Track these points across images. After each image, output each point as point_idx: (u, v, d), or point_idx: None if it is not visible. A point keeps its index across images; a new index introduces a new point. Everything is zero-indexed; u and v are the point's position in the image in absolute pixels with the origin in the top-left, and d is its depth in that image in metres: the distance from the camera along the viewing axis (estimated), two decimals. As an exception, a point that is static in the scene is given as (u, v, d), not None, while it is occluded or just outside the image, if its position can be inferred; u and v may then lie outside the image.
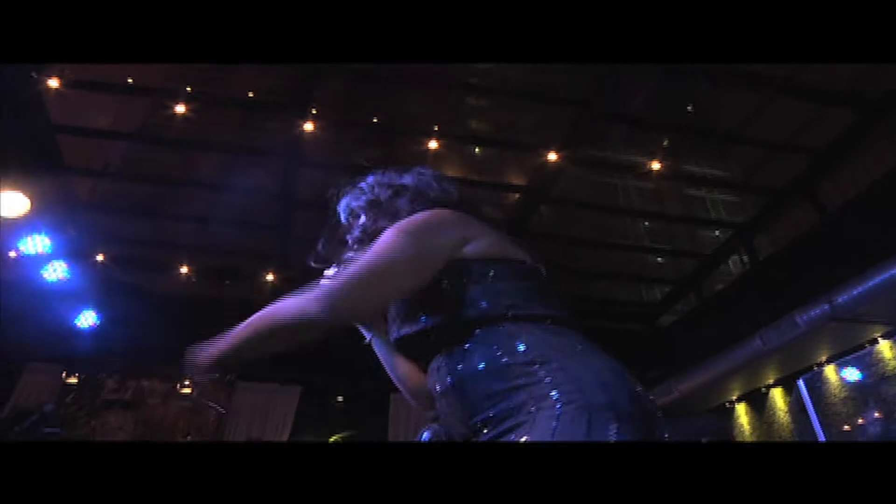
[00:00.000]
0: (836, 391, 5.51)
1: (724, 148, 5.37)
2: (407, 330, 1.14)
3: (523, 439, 0.88)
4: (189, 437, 6.09)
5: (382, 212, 1.27)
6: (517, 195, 5.85)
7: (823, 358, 5.49)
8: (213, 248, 6.38)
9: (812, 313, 4.72)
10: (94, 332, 5.84)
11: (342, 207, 1.37)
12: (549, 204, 5.90)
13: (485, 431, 0.96)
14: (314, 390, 6.67)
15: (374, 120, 4.87)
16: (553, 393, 0.89)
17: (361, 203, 1.32)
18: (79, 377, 6.19)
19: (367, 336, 1.37)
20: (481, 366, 0.99)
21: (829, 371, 5.54)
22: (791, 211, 5.67)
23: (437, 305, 1.08)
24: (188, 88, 4.55)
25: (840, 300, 4.52)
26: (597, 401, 0.86)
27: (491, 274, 1.08)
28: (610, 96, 4.67)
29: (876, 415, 5.20)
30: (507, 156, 5.31)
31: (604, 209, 5.95)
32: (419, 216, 1.13)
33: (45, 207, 4.76)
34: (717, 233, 6.40)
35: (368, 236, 1.21)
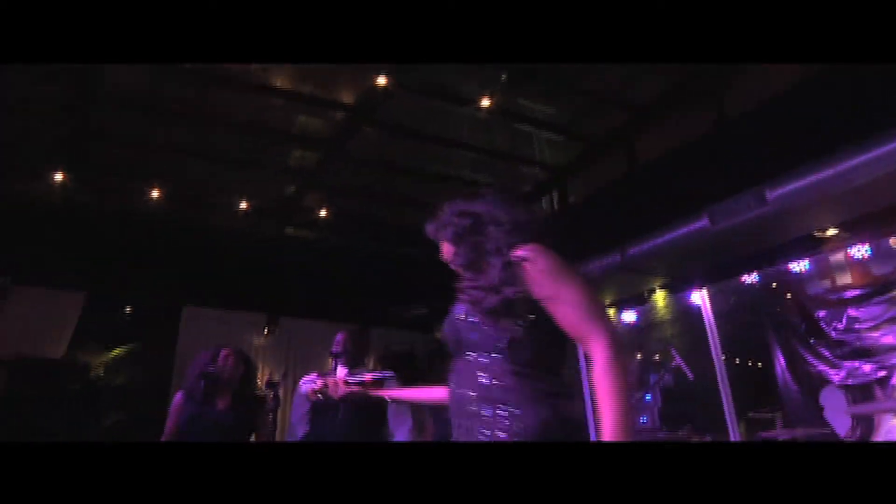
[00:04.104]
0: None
1: (558, 91, 5.15)
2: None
3: None
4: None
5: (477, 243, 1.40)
6: (342, 114, 5.63)
7: (608, 301, 6.00)
8: None
9: (605, 261, 5.14)
10: None
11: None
12: (375, 127, 5.64)
13: None
14: (99, 298, 5.74)
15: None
16: None
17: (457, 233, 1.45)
18: None
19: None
20: None
21: (610, 313, 6.02)
22: (604, 160, 5.82)
23: None
24: None
25: (631, 252, 4.96)
26: None
27: None
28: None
29: (638, 356, 5.94)
30: (338, 72, 5.20)
31: (429, 139, 5.62)
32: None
33: None
34: (537, 170, 6.20)
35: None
